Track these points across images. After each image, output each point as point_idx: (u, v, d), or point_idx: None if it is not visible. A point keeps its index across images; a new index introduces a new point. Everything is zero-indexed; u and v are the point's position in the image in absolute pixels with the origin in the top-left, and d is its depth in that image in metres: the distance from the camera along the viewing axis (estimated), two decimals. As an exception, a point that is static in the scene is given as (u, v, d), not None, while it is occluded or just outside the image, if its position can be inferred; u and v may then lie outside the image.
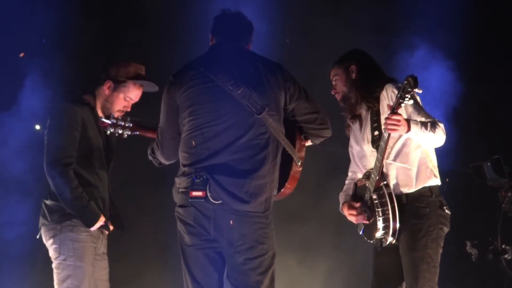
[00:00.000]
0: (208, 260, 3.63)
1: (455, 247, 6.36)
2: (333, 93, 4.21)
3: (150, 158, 4.01)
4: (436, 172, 4.05)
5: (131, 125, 4.19)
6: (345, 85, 4.13)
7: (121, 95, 4.31)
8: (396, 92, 3.80)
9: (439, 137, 3.88)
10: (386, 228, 3.96)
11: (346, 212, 4.20)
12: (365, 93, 4.07)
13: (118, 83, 4.30)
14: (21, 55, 5.86)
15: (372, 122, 4.06)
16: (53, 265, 4.23)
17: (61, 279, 4.17)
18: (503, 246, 5.77)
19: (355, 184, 4.22)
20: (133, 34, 6.01)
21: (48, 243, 4.23)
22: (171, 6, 6.21)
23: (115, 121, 4.16)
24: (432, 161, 4.04)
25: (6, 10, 5.71)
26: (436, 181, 4.03)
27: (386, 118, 3.77)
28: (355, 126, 4.21)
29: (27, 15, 5.76)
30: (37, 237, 4.31)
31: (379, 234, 4.00)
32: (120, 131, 4.19)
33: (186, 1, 6.14)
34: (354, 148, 4.24)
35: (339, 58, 4.22)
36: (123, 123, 4.17)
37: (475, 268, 6.24)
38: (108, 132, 4.20)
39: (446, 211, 4.03)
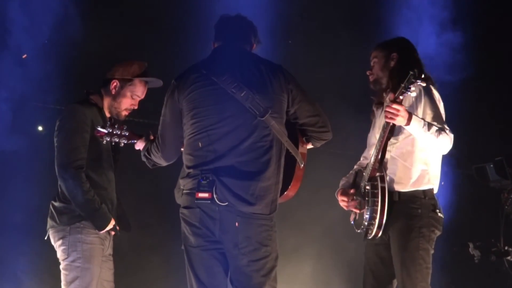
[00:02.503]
0: (213, 261, 3.63)
1: (457, 249, 6.36)
2: (368, 73, 4.21)
3: (144, 159, 4.03)
4: (434, 181, 4.04)
5: (127, 133, 4.18)
6: (381, 70, 4.12)
7: (128, 93, 4.33)
8: (422, 88, 3.81)
9: (441, 143, 3.85)
10: (372, 219, 3.97)
11: (339, 197, 4.23)
12: (395, 83, 4.01)
13: (125, 82, 4.33)
14: (24, 56, 5.86)
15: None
16: (61, 267, 4.23)
17: (69, 281, 4.18)
18: (506, 248, 5.75)
19: (356, 172, 4.25)
20: (136, 35, 6.01)
21: (57, 244, 4.23)
22: (173, 7, 6.21)
23: (111, 130, 4.15)
24: (434, 169, 4.03)
25: (8, 11, 5.71)
26: (431, 186, 4.02)
27: (387, 106, 3.77)
28: (378, 113, 4.21)
29: (29, 16, 5.76)
30: (45, 238, 4.31)
31: (365, 224, 4.01)
32: (117, 140, 4.18)
33: (188, 2, 6.16)
34: (369, 134, 4.27)
35: (384, 42, 4.22)
36: (119, 132, 4.16)
37: (478, 270, 6.24)
38: (105, 141, 4.19)
39: (439, 214, 4.01)
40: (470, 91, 6.52)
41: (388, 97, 3.86)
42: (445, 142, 3.86)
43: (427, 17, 6.39)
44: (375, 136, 4.15)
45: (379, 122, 4.13)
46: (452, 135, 3.88)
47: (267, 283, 3.60)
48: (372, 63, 4.19)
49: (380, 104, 4.18)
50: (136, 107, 4.41)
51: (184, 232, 3.68)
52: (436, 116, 3.93)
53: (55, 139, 4.25)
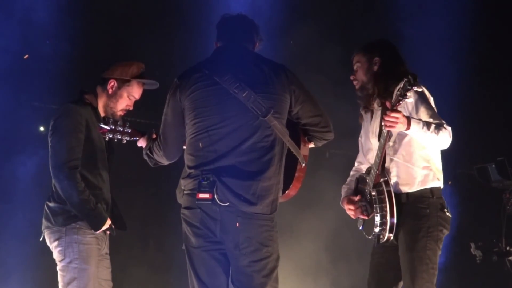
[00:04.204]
0: (214, 261, 3.63)
1: (459, 249, 6.36)
2: (352, 78, 4.20)
3: (145, 157, 4.02)
4: (439, 176, 4.04)
5: (130, 130, 4.17)
6: (365, 75, 4.12)
7: (125, 94, 4.33)
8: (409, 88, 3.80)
9: (442, 139, 3.86)
10: (383, 224, 3.96)
11: (345, 206, 4.22)
12: (382, 89, 4.04)
13: (123, 83, 4.32)
14: (26, 57, 5.87)
15: (382, 116, 4.05)
16: (58, 268, 4.22)
17: (67, 282, 4.16)
18: (508, 248, 5.75)
19: (357, 179, 4.23)
20: (136, 35, 6.02)
21: (53, 245, 4.22)
22: (172, 6, 6.22)
23: (114, 126, 4.14)
24: (436, 164, 4.03)
25: (9, 12, 5.71)
26: (438, 183, 4.02)
27: (385, 115, 3.77)
28: (366, 117, 4.21)
29: (30, 17, 5.77)
30: (40, 239, 4.30)
31: (376, 230, 4.00)
32: (119, 137, 4.16)
33: (187, 2, 6.17)
34: (362, 139, 4.26)
35: (365, 45, 4.20)
36: (122, 129, 4.15)
37: (480, 270, 6.23)
38: (107, 138, 4.18)
39: (447, 213, 4.02)
40: (471, 91, 6.52)
41: (385, 105, 3.87)
42: (446, 137, 3.87)
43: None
44: (370, 141, 4.15)
45: (371, 127, 4.14)
46: (449, 128, 3.88)
47: (268, 284, 3.59)
48: (355, 68, 4.18)
49: (368, 109, 4.18)
50: (131, 108, 4.40)
51: (185, 233, 3.67)
52: (431, 112, 3.93)
53: (49, 139, 4.24)
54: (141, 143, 4.16)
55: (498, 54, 6.59)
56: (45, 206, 4.27)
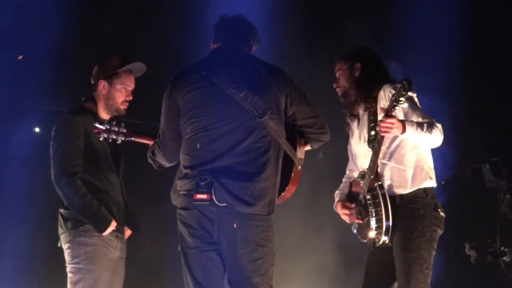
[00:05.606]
0: (211, 262, 3.63)
1: (454, 249, 6.38)
2: (334, 86, 4.23)
3: (150, 161, 4.01)
4: (432, 174, 4.05)
5: (125, 130, 4.18)
6: (347, 81, 4.15)
7: (119, 86, 4.36)
8: (394, 92, 3.82)
9: (436, 137, 3.88)
10: (379, 228, 3.97)
11: (340, 211, 4.23)
12: (365, 93, 4.09)
13: (111, 78, 4.36)
14: (20, 57, 5.86)
15: (369, 121, 4.08)
16: (67, 269, 4.29)
17: (74, 282, 4.24)
18: (502, 248, 5.78)
19: (350, 183, 4.24)
20: (135, 36, 6.02)
21: (64, 248, 4.30)
22: (171, 6, 6.22)
23: (108, 126, 4.15)
24: (428, 163, 4.05)
25: (5, 12, 5.70)
26: (431, 183, 4.04)
27: (380, 121, 3.78)
28: (354, 125, 4.23)
29: (26, 17, 5.76)
30: (58, 245, 4.37)
31: (372, 233, 4.02)
32: (114, 137, 4.17)
33: (185, 2, 6.17)
34: (352, 146, 4.27)
35: (346, 53, 4.24)
36: (117, 129, 4.15)
37: (474, 270, 6.26)
38: (102, 138, 4.19)
39: (441, 213, 4.03)
40: (466, 92, 6.53)
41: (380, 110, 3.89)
42: (438, 135, 3.88)
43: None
44: (359, 147, 4.17)
45: (359, 133, 4.16)
46: (440, 125, 3.90)
47: (264, 282, 3.61)
48: (337, 76, 4.22)
49: (354, 115, 4.21)
50: (131, 97, 4.42)
51: (181, 233, 3.67)
52: (419, 112, 3.95)
53: (50, 150, 4.31)
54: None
55: (493, 54, 6.60)
56: (58, 213, 4.34)
